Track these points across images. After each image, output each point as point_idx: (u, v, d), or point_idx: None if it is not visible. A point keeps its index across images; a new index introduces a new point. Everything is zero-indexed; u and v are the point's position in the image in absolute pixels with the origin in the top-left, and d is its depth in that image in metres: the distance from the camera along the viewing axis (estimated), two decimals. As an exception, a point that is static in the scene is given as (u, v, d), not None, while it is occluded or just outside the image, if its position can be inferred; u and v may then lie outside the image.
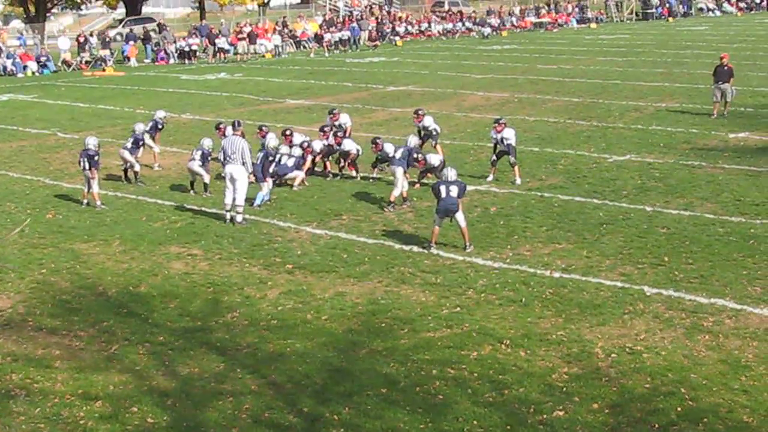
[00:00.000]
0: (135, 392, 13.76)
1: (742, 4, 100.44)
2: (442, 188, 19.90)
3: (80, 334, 16.02)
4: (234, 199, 22.35)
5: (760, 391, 13.11)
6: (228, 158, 22.44)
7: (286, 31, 70.40)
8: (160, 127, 29.49)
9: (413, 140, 25.48)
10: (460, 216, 19.86)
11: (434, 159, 25.10)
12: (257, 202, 23.81)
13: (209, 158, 25.31)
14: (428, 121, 28.03)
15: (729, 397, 13.00)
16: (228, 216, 22.43)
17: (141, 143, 26.92)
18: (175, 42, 65.15)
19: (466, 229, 20.01)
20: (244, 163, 22.40)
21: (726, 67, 34.31)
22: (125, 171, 27.17)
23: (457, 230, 20.23)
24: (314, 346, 15.23)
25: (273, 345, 15.30)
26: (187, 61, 63.34)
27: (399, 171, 23.51)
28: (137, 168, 26.83)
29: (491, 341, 15.09)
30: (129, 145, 26.71)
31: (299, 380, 13.98)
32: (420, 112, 28.49)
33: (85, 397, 13.63)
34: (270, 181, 24.44)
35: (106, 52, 62.26)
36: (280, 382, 13.97)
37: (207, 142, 25.49)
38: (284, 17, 76.91)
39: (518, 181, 25.17)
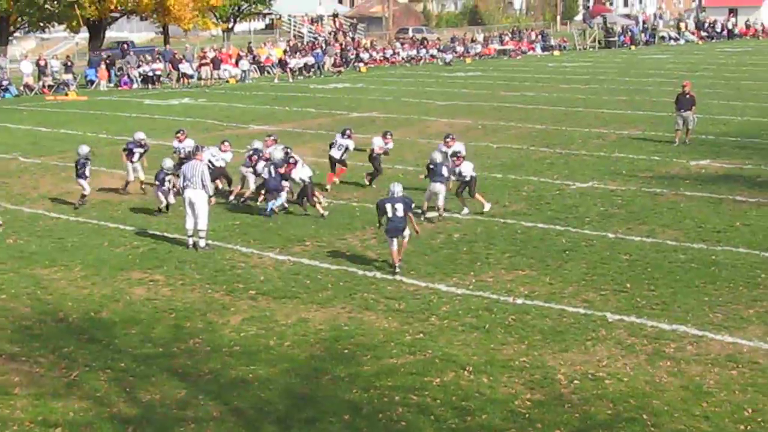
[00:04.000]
0: (96, 419, 13.63)
1: (703, 33, 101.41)
2: (388, 206, 20.21)
3: (40, 360, 15.87)
4: (195, 224, 22.28)
5: (722, 417, 13.16)
6: (187, 182, 22.34)
7: (250, 56, 70.33)
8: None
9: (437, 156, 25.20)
10: (405, 233, 20.10)
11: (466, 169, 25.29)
12: (270, 207, 24.97)
13: (167, 179, 25.13)
14: (459, 146, 26.91)
15: (690, 423, 13.05)
16: (190, 241, 22.35)
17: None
18: (138, 66, 64.94)
19: (404, 248, 20.42)
20: (204, 187, 22.32)
21: (688, 96, 34.58)
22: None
23: (420, 256, 20.25)
24: (277, 372, 15.17)
25: (235, 371, 15.22)
26: (150, 86, 63.15)
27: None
28: (86, 192, 26.86)
29: (454, 368, 15.08)
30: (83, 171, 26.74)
31: (262, 407, 13.91)
32: (450, 137, 27.56)
33: (45, 423, 13.50)
34: (287, 186, 25.34)
35: (69, 76, 61.99)
36: (242, 408, 13.89)
37: (167, 163, 25.41)
38: (249, 43, 76.86)
39: (487, 207, 25.19)
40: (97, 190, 28.42)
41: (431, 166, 24.53)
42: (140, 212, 26.16)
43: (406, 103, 50.18)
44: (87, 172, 26.86)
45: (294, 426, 13.25)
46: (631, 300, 18.06)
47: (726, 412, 13.35)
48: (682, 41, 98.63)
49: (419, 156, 33.51)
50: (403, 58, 79.58)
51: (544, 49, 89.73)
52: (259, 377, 14.97)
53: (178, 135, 29.35)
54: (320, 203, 25.40)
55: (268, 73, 70.11)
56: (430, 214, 24.30)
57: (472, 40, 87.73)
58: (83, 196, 26.93)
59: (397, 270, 20.02)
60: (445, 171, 24.24)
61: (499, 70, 71.03)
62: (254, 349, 16.15)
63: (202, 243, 22.20)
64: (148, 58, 65.53)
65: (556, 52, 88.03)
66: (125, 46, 74.35)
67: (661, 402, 13.70)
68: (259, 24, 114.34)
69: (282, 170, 24.99)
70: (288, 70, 67.51)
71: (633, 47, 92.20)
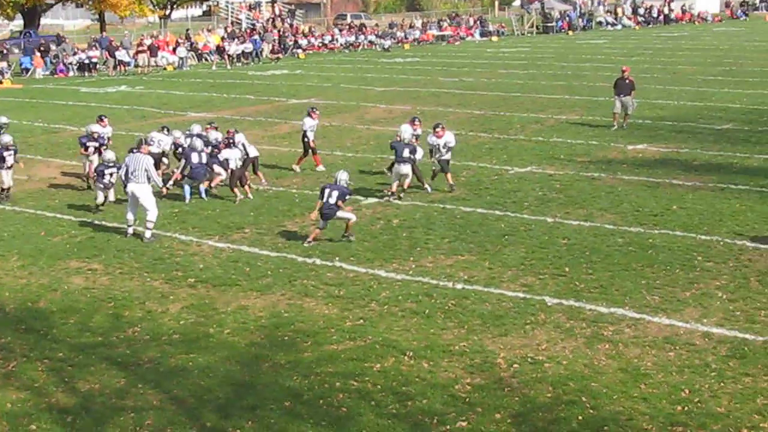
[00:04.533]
0: (33, 410, 13.52)
1: (640, 18, 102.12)
2: (326, 191, 20.88)
3: (-23, 351, 15.72)
4: (146, 216, 21.87)
5: (659, 399, 13.30)
6: (130, 176, 22.01)
7: (187, 43, 69.86)
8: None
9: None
10: (341, 214, 20.99)
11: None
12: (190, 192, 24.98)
13: (106, 172, 24.63)
14: (449, 137, 26.32)
15: (629, 405, 13.17)
16: (130, 231, 22.14)
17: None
18: (74, 54, 64.29)
19: (348, 228, 21.28)
20: (149, 179, 22.01)
21: (627, 80, 34.82)
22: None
23: (359, 242, 20.32)
24: (217, 360, 15.12)
25: (175, 359, 15.15)
26: (87, 74, 62.57)
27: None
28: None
29: (394, 353, 15.11)
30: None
31: (202, 395, 13.87)
32: (441, 126, 26.66)
33: (-18, 415, 13.39)
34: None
35: (3, 64, 61.23)
36: (182, 396, 13.84)
37: (108, 155, 25.00)
38: (187, 30, 76.36)
39: (453, 185, 25.87)
40: (36, 180, 28.14)
41: (394, 147, 24.98)
42: (78, 201, 25.91)
43: (344, 90, 50.12)
44: (9, 163, 26.24)
45: (234, 413, 13.22)
46: (570, 284, 18.18)
47: (663, 394, 13.49)
48: (619, 26, 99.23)
49: (357, 142, 33.57)
50: (341, 45, 79.44)
51: (482, 34, 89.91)
52: (198, 365, 14.91)
53: (101, 121, 28.80)
54: (241, 188, 25.45)
55: (206, 60, 69.74)
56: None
57: (411, 26, 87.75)
58: (2, 189, 26.33)
59: (306, 244, 21.02)
60: (407, 152, 24.54)
61: (438, 56, 71.11)
62: (194, 337, 16.08)
63: (148, 234, 21.86)
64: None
65: (494, 38, 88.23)
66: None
67: (600, 384, 13.82)
68: (197, 11, 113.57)
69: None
70: (226, 56, 67.20)
71: (570, 32, 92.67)
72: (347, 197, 21.18)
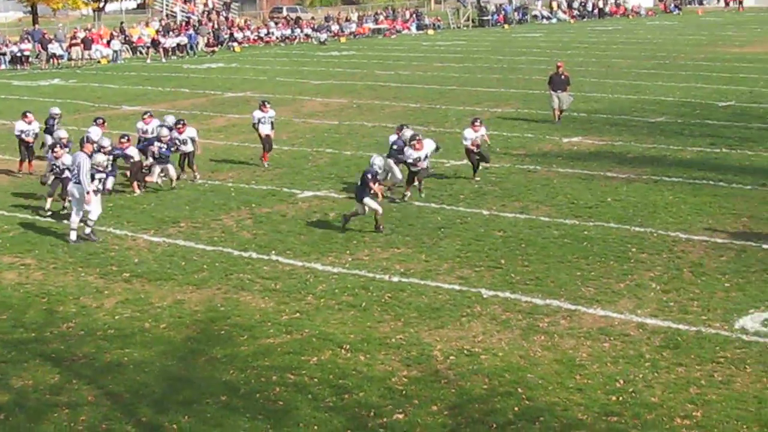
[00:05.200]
0: (-34, 407, 13.37)
1: (575, 12, 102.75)
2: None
3: None
4: (88, 214, 21.45)
5: (594, 389, 13.41)
6: (71, 175, 21.59)
7: (122, 36, 69.28)
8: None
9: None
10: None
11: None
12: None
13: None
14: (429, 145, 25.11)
15: (564, 395, 13.26)
16: (73, 235, 21.43)
17: None
18: (6, 47, 63.52)
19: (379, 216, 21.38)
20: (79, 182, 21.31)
21: (563, 76, 34.96)
22: None
23: (296, 236, 20.30)
24: (152, 354, 15.03)
25: (110, 355, 15.04)
26: (19, 67, 61.85)
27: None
28: None
29: (331, 346, 15.10)
30: None
31: (137, 390, 13.77)
32: (478, 121, 26.47)
33: None
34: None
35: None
36: (117, 392, 13.73)
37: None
38: (121, 22, 75.71)
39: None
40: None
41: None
42: (10, 195, 25.63)
43: (280, 83, 49.98)
44: None
45: (171, 408, 13.14)
46: (506, 276, 18.28)
47: (598, 384, 13.60)
48: (554, 20, 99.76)
49: (294, 135, 33.49)
50: (277, 38, 79.09)
51: (418, 28, 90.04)
52: (134, 360, 14.82)
53: (24, 117, 28.45)
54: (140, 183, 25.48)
55: (141, 53, 69.17)
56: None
57: (347, 20, 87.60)
58: None
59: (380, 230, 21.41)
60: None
61: (374, 49, 71.10)
62: (129, 332, 15.97)
63: (87, 230, 21.48)
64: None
65: (431, 31, 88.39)
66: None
67: (536, 376, 13.90)
68: (131, 3, 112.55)
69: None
70: (161, 50, 66.70)
71: (506, 26, 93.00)
72: (368, 177, 21.16)
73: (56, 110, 29.10)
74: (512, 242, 20.37)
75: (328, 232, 21.56)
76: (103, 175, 22.55)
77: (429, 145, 24.11)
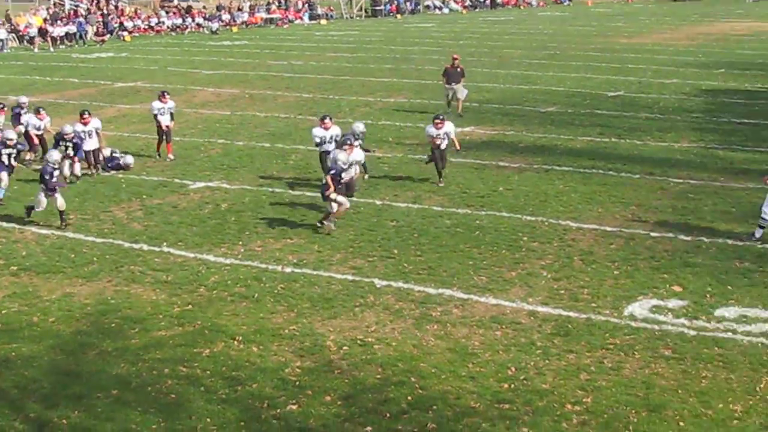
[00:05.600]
0: None
1: (467, 3, 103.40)
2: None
3: None
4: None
5: (486, 377, 13.52)
6: None
7: (8, 25, 67.94)
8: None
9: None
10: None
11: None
12: None
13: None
14: (449, 127, 24.90)
15: (457, 384, 13.34)
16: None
17: None
18: None
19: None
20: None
21: (458, 68, 34.93)
22: None
23: (188, 227, 20.13)
24: (41, 349, 14.78)
25: (-3, 349, 14.78)
26: None
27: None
28: None
29: (224, 338, 15.01)
30: None
31: (26, 385, 13.54)
32: (441, 118, 25.04)
33: None
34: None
35: None
36: (5, 387, 13.48)
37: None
38: (7, 10, 74.23)
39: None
40: None
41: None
42: None
43: (171, 73, 49.48)
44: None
45: (60, 403, 12.94)
46: (399, 265, 18.33)
47: (491, 372, 13.71)
48: (446, 10, 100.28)
49: (185, 126, 33.16)
50: (168, 27, 78.28)
51: (311, 17, 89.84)
52: (22, 355, 14.56)
53: None
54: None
55: (28, 42, 67.91)
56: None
57: (239, 9, 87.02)
58: None
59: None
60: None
61: (266, 39, 70.77)
62: (17, 326, 15.69)
63: None
64: None
65: (323, 21, 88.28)
66: None
67: (429, 365, 13.96)
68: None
69: None
70: (49, 39, 65.57)
71: (399, 16, 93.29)
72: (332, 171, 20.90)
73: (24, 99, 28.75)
74: (405, 232, 20.44)
75: (220, 223, 21.42)
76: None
77: (358, 155, 22.96)
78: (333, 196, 20.54)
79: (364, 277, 17.72)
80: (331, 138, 23.76)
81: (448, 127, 24.64)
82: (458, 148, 25.44)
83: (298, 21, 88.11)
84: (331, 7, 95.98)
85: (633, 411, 12.49)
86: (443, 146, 24.50)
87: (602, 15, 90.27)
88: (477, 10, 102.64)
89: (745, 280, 17.40)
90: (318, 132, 23.94)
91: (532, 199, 22.89)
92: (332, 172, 20.88)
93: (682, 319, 15.59)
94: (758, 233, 19.67)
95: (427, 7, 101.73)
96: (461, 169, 26.04)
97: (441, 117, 24.93)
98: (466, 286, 17.21)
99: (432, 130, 24.55)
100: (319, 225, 20.79)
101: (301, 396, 13.04)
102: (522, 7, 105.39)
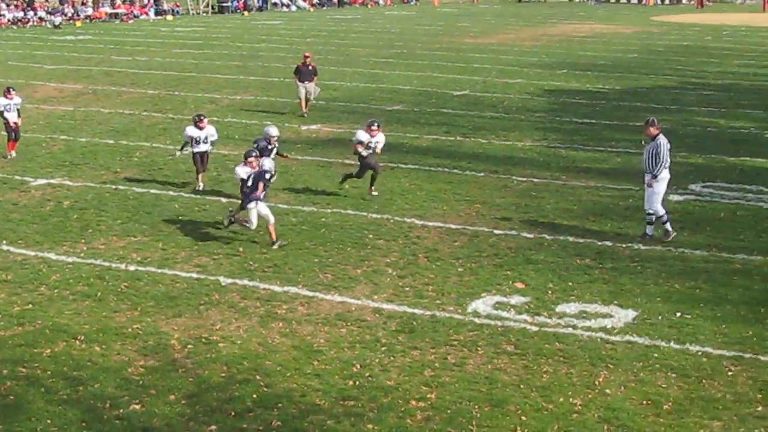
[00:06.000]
0: None
1: (315, 0, 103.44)
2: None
3: None
4: None
5: (332, 374, 13.55)
6: None
7: None
8: None
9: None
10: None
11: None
12: None
13: None
14: (381, 137, 23.19)
15: (302, 381, 13.35)
16: None
17: None
18: None
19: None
20: None
21: (310, 67, 34.50)
22: None
23: (28, 225, 19.77)
24: None
25: None
26: None
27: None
28: None
29: (65, 338, 14.74)
30: None
31: None
32: (377, 125, 23.36)
33: None
34: None
35: None
36: None
37: None
38: None
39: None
40: None
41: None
42: None
43: (12, 67, 48.38)
44: None
45: None
46: (244, 263, 18.25)
47: (336, 369, 13.75)
48: (294, 7, 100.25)
49: (26, 122, 32.33)
50: (9, 20, 76.53)
51: (157, 13, 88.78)
52: None
53: None
54: None
55: None
56: None
57: (83, 3, 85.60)
58: None
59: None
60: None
61: (111, 34, 69.70)
62: None
63: None
64: None
65: (169, 17, 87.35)
66: None
67: (274, 363, 13.94)
68: None
69: None
70: None
71: (246, 13, 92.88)
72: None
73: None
74: (250, 230, 20.33)
75: (62, 220, 21.03)
76: None
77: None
78: (254, 204, 19.39)
79: (209, 275, 17.60)
80: (206, 138, 23.39)
81: (381, 137, 23.01)
82: (379, 152, 23.22)
83: (143, 16, 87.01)
84: (178, 3, 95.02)
85: (476, 406, 12.66)
86: (368, 155, 22.90)
87: (449, 15, 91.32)
88: (324, 8, 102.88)
89: (586, 276, 17.80)
90: (192, 131, 23.44)
91: (378, 197, 23.01)
92: (261, 179, 19.56)
93: (525, 315, 15.87)
94: (649, 230, 20.05)
95: (275, 4, 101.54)
96: (307, 167, 26.07)
97: (376, 123, 23.21)
98: (311, 283, 17.23)
99: (363, 135, 22.85)
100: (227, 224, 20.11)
101: (145, 395, 12.89)
102: (369, 6, 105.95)
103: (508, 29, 75.29)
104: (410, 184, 24.30)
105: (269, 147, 22.48)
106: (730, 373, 13.77)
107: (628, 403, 12.79)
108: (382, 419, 12.30)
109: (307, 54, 35.89)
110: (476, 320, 15.63)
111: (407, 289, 17.03)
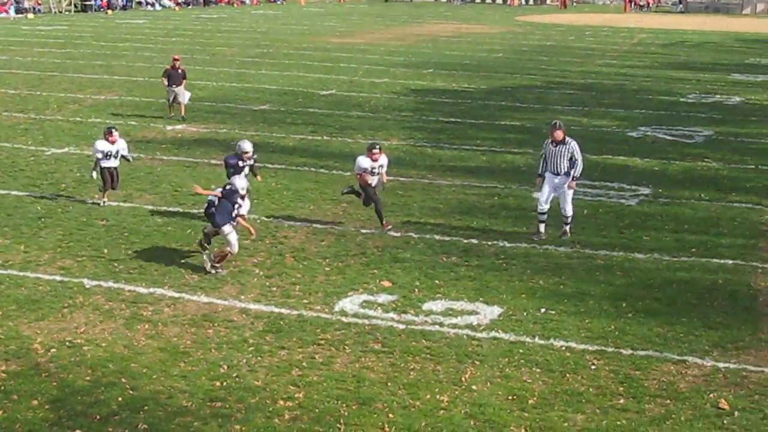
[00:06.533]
0: None
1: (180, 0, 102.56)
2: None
3: None
4: None
5: (198, 376, 13.46)
6: None
7: None
8: None
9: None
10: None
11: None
12: None
13: None
14: (384, 160, 20.71)
15: (169, 383, 13.23)
16: None
17: None
18: None
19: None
20: None
21: (179, 70, 33.32)
22: None
23: None
24: None
25: None
26: None
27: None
28: None
29: None
30: None
31: None
32: (377, 148, 20.52)
33: None
34: None
35: None
36: None
37: None
38: None
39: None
40: None
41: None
42: None
43: None
44: None
45: None
46: (108, 265, 18.01)
47: (203, 370, 13.66)
48: (158, 7, 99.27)
49: None
50: None
51: (17, 11, 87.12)
52: None
53: None
54: None
55: None
56: None
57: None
58: None
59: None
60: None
61: (-30, 32, 68.17)
62: None
63: None
64: None
65: (30, 15, 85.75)
66: None
67: (140, 365, 13.79)
68: None
69: None
70: None
71: (110, 12, 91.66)
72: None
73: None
74: (115, 231, 20.09)
75: None
76: None
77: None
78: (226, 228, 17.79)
79: (73, 277, 17.32)
80: (117, 152, 21.89)
81: (384, 160, 20.64)
82: (385, 181, 20.94)
83: (3, 14, 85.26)
84: (39, 1, 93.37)
85: (344, 404, 12.70)
86: (375, 183, 20.56)
87: (315, 14, 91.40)
88: (190, 7, 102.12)
89: (452, 274, 17.98)
90: (102, 146, 21.85)
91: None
92: (233, 199, 17.92)
93: (392, 313, 15.97)
94: (542, 228, 20.28)
95: (140, 3, 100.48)
96: (173, 167, 25.85)
97: (377, 146, 20.47)
98: (177, 284, 17.10)
99: (365, 162, 20.34)
100: (213, 268, 17.90)
101: (7, 401, 12.64)
102: (235, 6, 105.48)
103: (375, 29, 75.66)
104: (277, 184, 24.25)
105: (240, 164, 20.43)
106: (593, 367, 14.06)
107: (494, 399, 12.97)
108: (250, 420, 12.27)
109: (176, 57, 34.63)
110: (343, 319, 15.68)
111: (274, 288, 17.01)
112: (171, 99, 33.41)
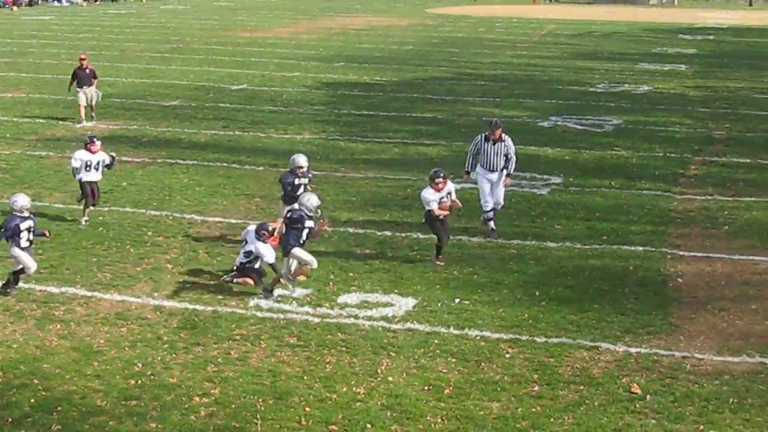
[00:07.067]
0: None
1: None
2: None
3: None
4: None
5: (113, 374, 13.33)
6: None
7: None
8: None
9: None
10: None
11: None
12: None
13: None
14: (451, 186, 18.61)
15: (82, 383, 13.09)
16: None
17: None
18: None
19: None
20: None
21: (87, 69, 32.00)
22: None
23: None
24: None
25: None
26: None
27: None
28: None
29: None
30: None
31: None
32: (441, 176, 18.29)
33: None
34: None
35: None
36: None
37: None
38: None
39: None
40: None
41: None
42: None
43: None
44: None
45: None
46: (19, 265, 17.77)
47: (117, 369, 13.54)
48: (66, 2, 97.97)
49: None
50: None
51: None
52: None
53: None
54: None
55: None
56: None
57: None
58: None
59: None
60: None
61: None
62: None
63: None
64: None
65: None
66: None
67: (52, 365, 13.63)
68: None
69: None
70: None
71: (15, 8, 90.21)
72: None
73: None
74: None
75: None
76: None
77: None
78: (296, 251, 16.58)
79: (-18, 280, 17.08)
80: (98, 163, 20.58)
81: (450, 186, 18.55)
82: (460, 205, 19.16)
83: None
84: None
85: (260, 399, 12.67)
86: (445, 214, 18.50)
87: (224, 9, 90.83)
88: (98, 2, 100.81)
89: (366, 266, 18.01)
90: (82, 155, 20.54)
91: (157, 194, 22.77)
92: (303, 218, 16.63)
93: (307, 307, 15.97)
94: (492, 225, 20.10)
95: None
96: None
97: (441, 174, 18.29)
98: (89, 283, 16.92)
99: (430, 194, 18.23)
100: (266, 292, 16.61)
101: None
102: (144, 1, 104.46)
103: (285, 22, 75.41)
104: (189, 180, 24.10)
105: (296, 182, 18.86)
106: (507, 356, 14.17)
107: (410, 389, 13.01)
108: (166, 417, 12.18)
109: (82, 56, 32.93)
110: (258, 314, 15.64)
111: (188, 285, 16.90)
112: (84, 101, 31.60)
